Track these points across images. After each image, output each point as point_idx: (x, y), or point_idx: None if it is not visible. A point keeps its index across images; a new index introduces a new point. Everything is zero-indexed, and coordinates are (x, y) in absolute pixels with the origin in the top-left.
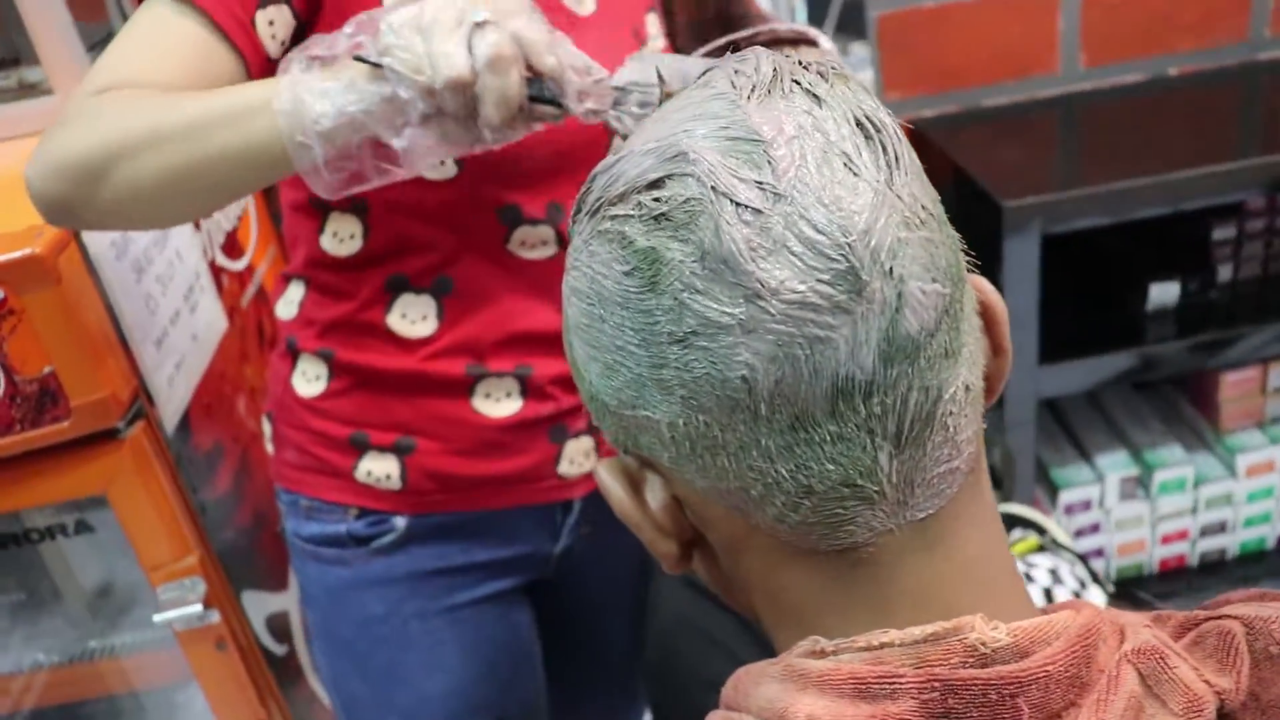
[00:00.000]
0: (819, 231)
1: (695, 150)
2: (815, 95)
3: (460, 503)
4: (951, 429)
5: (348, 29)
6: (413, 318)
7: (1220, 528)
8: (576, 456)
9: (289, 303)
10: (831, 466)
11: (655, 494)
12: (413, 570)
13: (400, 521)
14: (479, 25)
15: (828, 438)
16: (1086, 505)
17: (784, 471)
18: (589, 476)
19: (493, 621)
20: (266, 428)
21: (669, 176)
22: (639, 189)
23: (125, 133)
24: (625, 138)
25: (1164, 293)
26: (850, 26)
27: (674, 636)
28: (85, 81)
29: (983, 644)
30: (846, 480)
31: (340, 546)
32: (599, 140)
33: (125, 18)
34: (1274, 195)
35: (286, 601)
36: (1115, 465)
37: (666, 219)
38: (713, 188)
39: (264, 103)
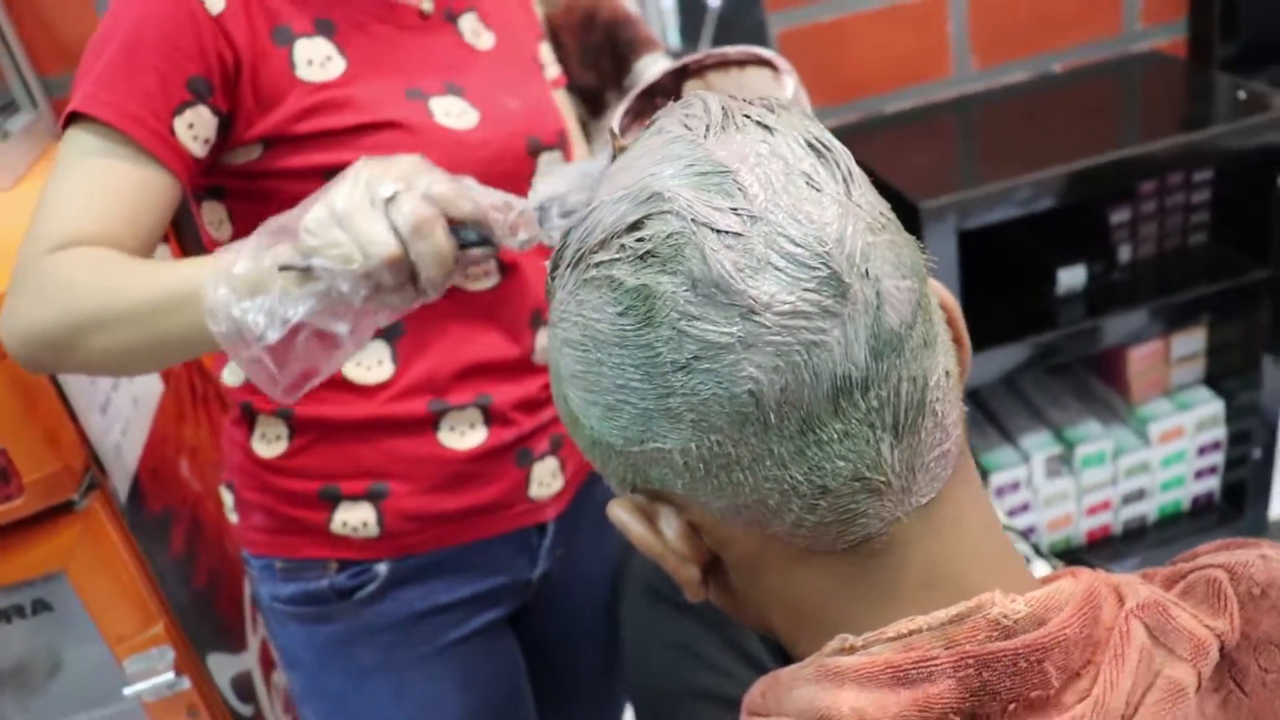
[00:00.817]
0: (797, 245)
1: (668, 189)
2: (766, 125)
3: (439, 539)
4: (940, 414)
5: (256, 240)
6: (368, 364)
7: (1139, 495)
8: (544, 478)
9: (234, 368)
10: (842, 463)
11: (670, 524)
12: (401, 615)
13: (382, 568)
14: (390, 200)
15: (835, 436)
16: (1015, 486)
17: (798, 475)
18: (559, 497)
19: (485, 655)
20: (227, 498)
21: (647, 217)
22: (619, 233)
23: (81, 313)
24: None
25: (1071, 277)
26: (751, 43)
27: (642, 650)
28: (32, 237)
29: (1005, 617)
30: (856, 474)
31: (324, 603)
32: (516, 187)
33: None
34: (1163, 178)
35: (248, 661)
36: (1039, 446)
37: (653, 255)
38: (692, 219)
39: (195, 309)
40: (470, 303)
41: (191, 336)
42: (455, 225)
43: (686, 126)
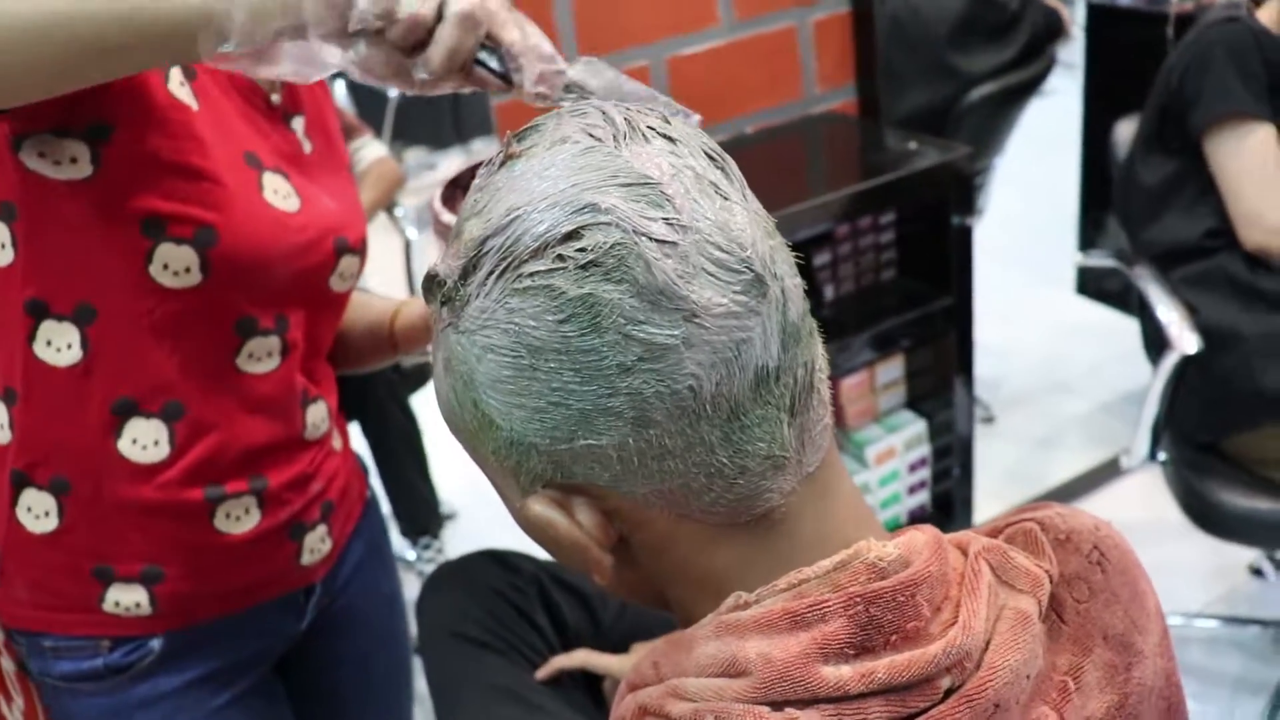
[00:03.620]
0: (724, 251)
1: (602, 200)
2: (670, 137)
3: (212, 611)
4: (822, 391)
5: None
6: (144, 443)
7: None
8: (315, 545)
9: (2, 427)
10: (761, 444)
11: (585, 514)
12: (176, 685)
13: (156, 643)
14: None
15: (755, 420)
16: None
17: (724, 458)
18: (326, 558)
19: (260, 710)
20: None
21: (584, 227)
22: (553, 243)
23: None
24: None
25: None
26: (477, 128)
27: (454, 694)
28: None
29: (880, 560)
30: (769, 453)
31: (98, 680)
32: (320, 279)
33: None
34: (854, 222)
35: None
36: None
37: (595, 265)
38: (633, 230)
39: None
40: (252, 387)
41: (160, 12)
42: (493, 46)
43: (594, 136)
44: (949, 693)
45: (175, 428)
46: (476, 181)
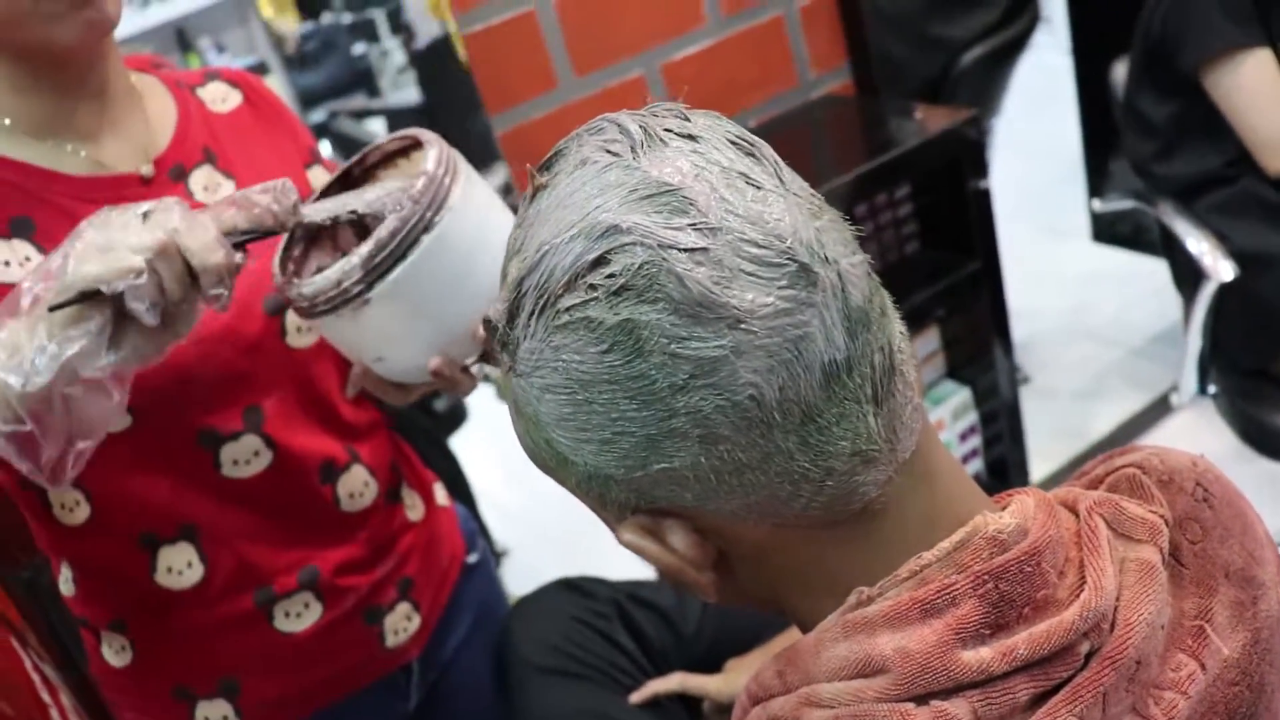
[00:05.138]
0: (760, 246)
1: (622, 220)
2: (690, 135)
3: (303, 710)
4: (906, 373)
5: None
6: (178, 568)
7: None
8: (399, 625)
9: (66, 580)
10: (843, 443)
11: (679, 537)
12: None
13: None
14: (145, 215)
15: (833, 419)
16: None
17: (805, 463)
18: (418, 635)
19: None
20: (84, 699)
21: (609, 252)
22: (582, 273)
23: None
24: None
25: None
26: (481, 153)
27: None
28: None
29: (1000, 533)
30: (855, 450)
31: None
32: (268, 348)
33: None
34: (870, 200)
35: None
36: None
37: (627, 289)
38: (657, 245)
39: None
40: (247, 491)
41: None
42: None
43: (611, 152)
44: (1088, 657)
45: (200, 544)
46: (516, 219)
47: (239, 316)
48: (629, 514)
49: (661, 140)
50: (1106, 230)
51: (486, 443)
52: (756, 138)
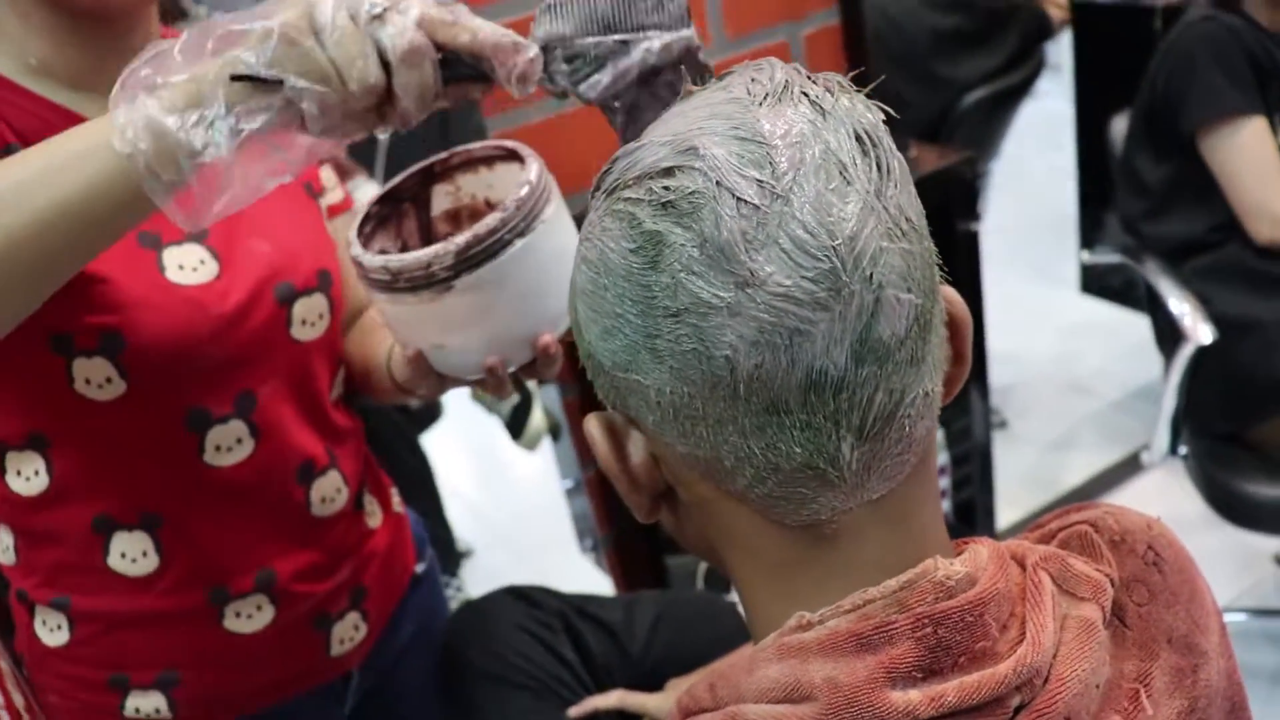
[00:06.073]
0: (808, 232)
1: (705, 146)
2: (820, 107)
3: (238, 710)
4: (908, 429)
5: (183, 50)
6: (132, 556)
7: None
8: (346, 634)
9: (5, 548)
10: (798, 449)
11: (636, 450)
12: None
13: None
14: (377, 17)
15: (797, 424)
16: None
17: (755, 448)
18: (362, 645)
19: None
20: (20, 670)
21: (679, 168)
22: (652, 175)
23: None
24: (561, 96)
25: None
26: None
27: None
28: None
29: (948, 579)
30: (810, 463)
31: None
32: (272, 337)
33: None
34: None
35: None
36: None
37: (673, 206)
38: (717, 182)
39: (98, 147)
40: (228, 479)
41: (93, 193)
42: (447, 55)
43: (748, 90)
44: (1019, 709)
45: (159, 535)
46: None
47: (252, 300)
48: (610, 408)
49: (793, 100)
50: (1096, 282)
51: (460, 442)
52: (888, 142)
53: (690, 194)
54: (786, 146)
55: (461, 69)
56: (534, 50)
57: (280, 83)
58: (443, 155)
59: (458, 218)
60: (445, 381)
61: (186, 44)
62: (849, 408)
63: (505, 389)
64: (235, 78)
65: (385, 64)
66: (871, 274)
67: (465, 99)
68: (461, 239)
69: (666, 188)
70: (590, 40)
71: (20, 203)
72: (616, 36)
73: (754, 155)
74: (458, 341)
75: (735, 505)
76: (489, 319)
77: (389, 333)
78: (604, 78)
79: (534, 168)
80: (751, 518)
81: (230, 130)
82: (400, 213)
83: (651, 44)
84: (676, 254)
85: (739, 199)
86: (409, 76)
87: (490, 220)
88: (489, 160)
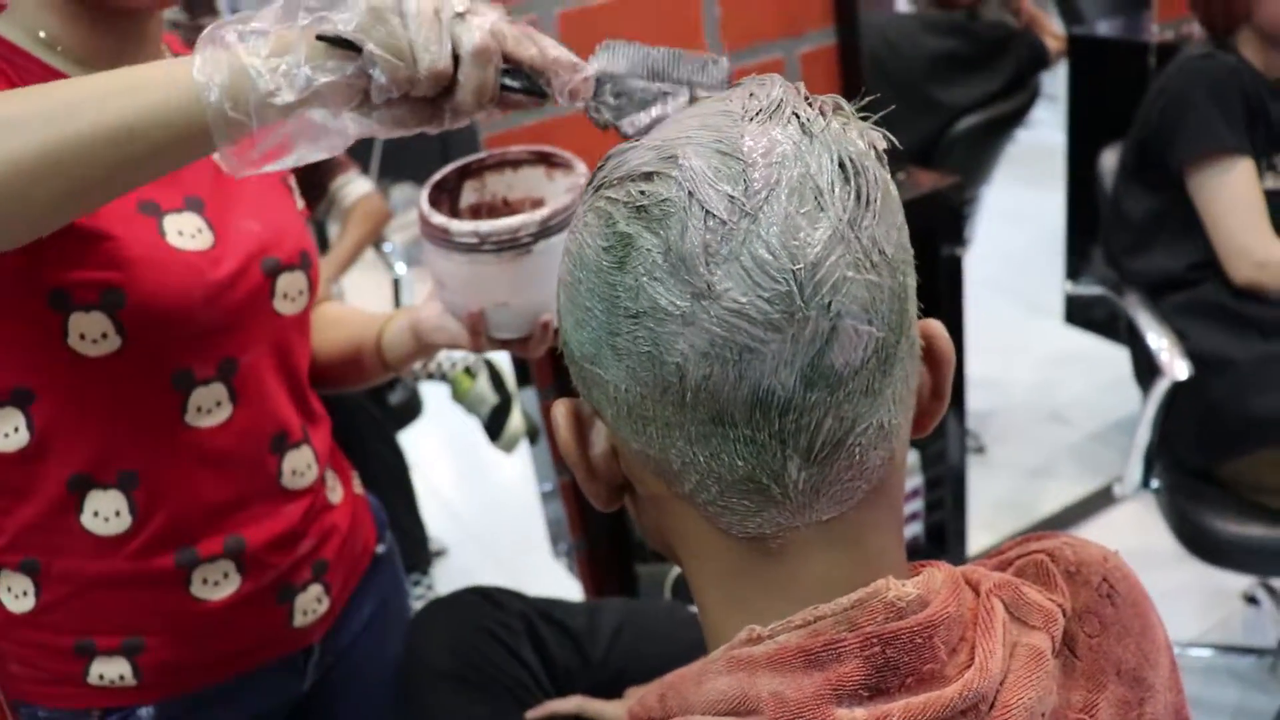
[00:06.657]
0: (770, 253)
1: (686, 156)
2: (808, 129)
3: (201, 679)
4: (859, 456)
5: (276, 13)
6: (105, 514)
7: None
8: (309, 606)
9: None
10: (740, 463)
11: (599, 440)
12: None
13: (145, 711)
14: (458, 15)
15: (741, 438)
16: None
17: (700, 456)
18: (324, 619)
19: None
20: None
21: (658, 174)
22: (633, 178)
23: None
24: (603, 127)
25: None
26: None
27: None
28: None
29: (899, 599)
30: (752, 477)
31: None
32: (257, 307)
33: None
34: None
35: None
36: None
37: (645, 211)
38: (690, 193)
39: (171, 78)
40: (207, 441)
41: (159, 117)
42: (511, 67)
43: (743, 105)
44: None
45: (134, 496)
46: None
47: (241, 269)
48: (582, 395)
49: (784, 118)
50: (1080, 313)
51: (438, 441)
52: (879, 175)
53: (663, 201)
54: (765, 165)
55: (519, 80)
56: (590, 70)
57: (358, 50)
58: (480, 155)
59: (479, 211)
60: (487, 339)
61: (280, 9)
62: (796, 429)
63: (540, 350)
64: (320, 37)
65: (455, 58)
66: (830, 302)
67: (514, 109)
68: (543, 212)
69: (643, 192)
70: (639, 83)
71: (86, 114)
72: (663, 85)
73: (730, 170)
74: (521, 300)
75: (686, 507)
76: (551, 281)
77: (433, 303)
78: (644, 119)
79: (581, 167)
80: (699, 522)
81: (305, 80)
82: (438, 201)
83: (692, 99)
84: (642, 258)
85: (708, 212)
86: (474, 73)
87: (565, 199)
88: (516, 163)
